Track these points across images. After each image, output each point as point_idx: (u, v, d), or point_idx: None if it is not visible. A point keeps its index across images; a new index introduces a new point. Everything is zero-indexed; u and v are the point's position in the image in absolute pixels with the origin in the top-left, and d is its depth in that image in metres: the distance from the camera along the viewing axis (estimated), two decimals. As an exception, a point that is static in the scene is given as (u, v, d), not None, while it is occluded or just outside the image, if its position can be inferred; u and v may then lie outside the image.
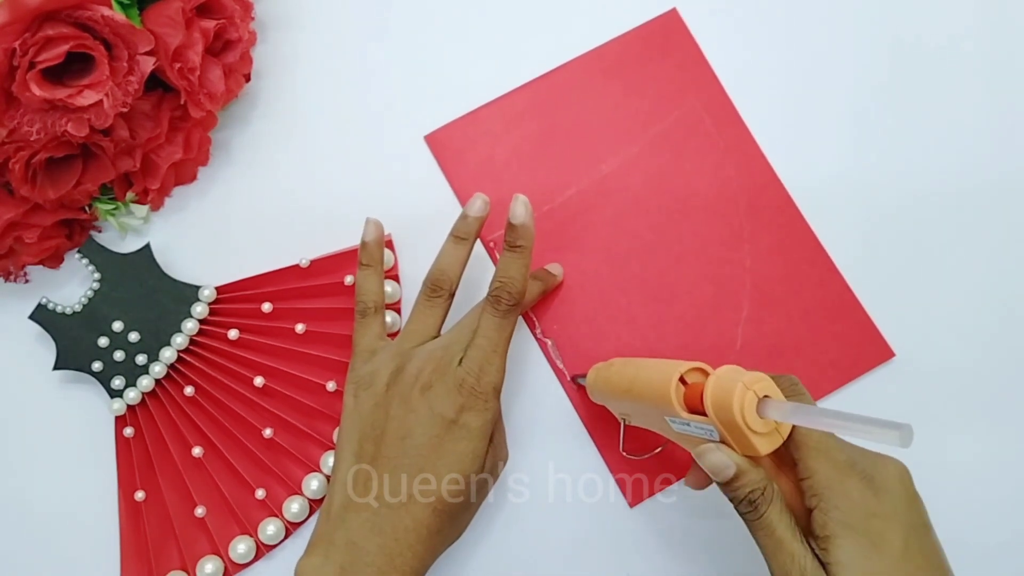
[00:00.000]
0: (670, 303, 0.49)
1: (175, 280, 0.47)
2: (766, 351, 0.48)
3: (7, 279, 0.48)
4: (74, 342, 0.46)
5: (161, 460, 0.46)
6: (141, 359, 0.46)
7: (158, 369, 0.46)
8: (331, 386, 0.46)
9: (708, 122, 0.51)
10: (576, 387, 0.48)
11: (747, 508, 0.35)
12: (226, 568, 0.45)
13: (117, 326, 0.46)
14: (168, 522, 0.45)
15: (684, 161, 0.50)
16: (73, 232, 0.48)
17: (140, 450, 0.46)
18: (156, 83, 0.46)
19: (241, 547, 0.45)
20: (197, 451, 0.45)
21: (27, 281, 0.49)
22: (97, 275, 0.47)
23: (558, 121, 0.51)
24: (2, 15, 0.37)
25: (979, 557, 0.41)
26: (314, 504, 0.46)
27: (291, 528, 0.46)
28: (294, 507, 0.45)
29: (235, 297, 0.47)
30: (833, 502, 0.33)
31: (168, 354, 0.46)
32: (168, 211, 0.50)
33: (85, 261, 0.47)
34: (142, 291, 0.47)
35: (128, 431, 0.46)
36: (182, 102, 0.46)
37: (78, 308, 0.46)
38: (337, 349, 0.47)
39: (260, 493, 0.45)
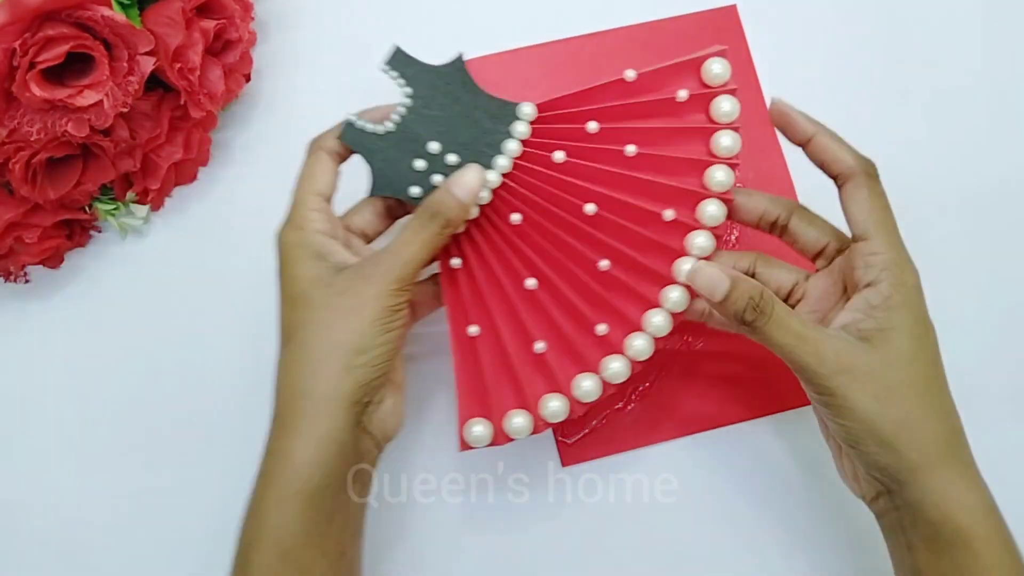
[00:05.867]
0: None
1: (491, 96, 0.41)
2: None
3: (7, 279, 0.48)
4: (389, 165, 0.41)
5: (492, 293, 0.42)
6: None
7: (483, 194, 0.40)
8: (668, 215, 0.41)
9: (737, 123, 0.50)
10: None
11: (755, 315, 0.36)
12: (571, 407, 0.41)
13: (433, 147, 0.41)
14: (506, 358, 0.41)
15: None
16: (73, 232, 0.48)
17: (469, 282, 0.42)
18: (156, 83, 0.46)
19: (587, 383, 0.40)
20: (531, 283, 0.41)
21: (27, 281, 0.49)
22: (408, 90, 0.41)
23: (593, 83, 0.51)
24: (2, 15, 0.37)
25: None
26: (658, 341, 0.41)
27: (636, 366, 0.41)
28: (638, 343, 0.41)
29: (557, 116, 0.42)
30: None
31: (492, 177, 0.41)
32: (168, 211, 0.50)
33: (395, 74, 0.41)
34: (457, 108, 0.41)
35: (455, 261, 0.41)
36: (182, 102, 0.46)
37: (391, 127, 0.41)
38: (671, 175, 0.42)
39: (602, 328, 0.41)
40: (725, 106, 0.42)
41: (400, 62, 0.41)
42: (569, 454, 0.47)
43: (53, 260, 0.48)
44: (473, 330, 0.41)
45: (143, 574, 0.46)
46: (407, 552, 0.46)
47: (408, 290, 0.38)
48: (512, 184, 0.41)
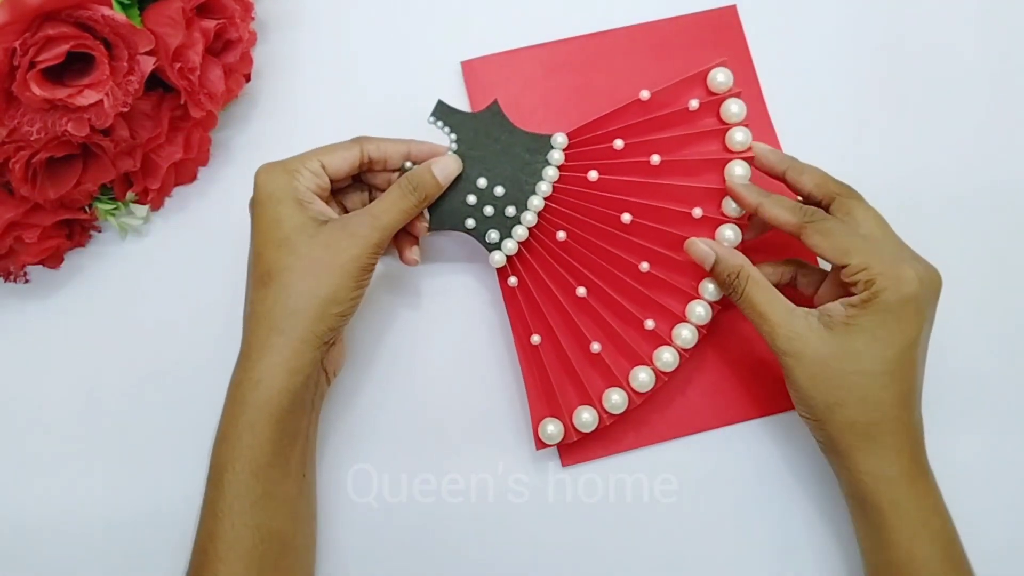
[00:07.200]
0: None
1: (526, 132, 0.47)
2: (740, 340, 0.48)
3: (7, 279, 0.48)
4: (445, 202, 0.46)
5: (548, 304, 0.46)
6: (511, 211, 0.46)
7: (529, 218, 0.46)
8: (697, 212, 0.45)
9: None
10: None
11: (729, 290, 0.43)
12: (630, 398, 0.45)
13: (481, 183, 0.46)
14: (566, 361, 0.46)
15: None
16: (73, 232, 0.48)
17: (527, 297, 0.46)
18: (156, 83, 0.46)
19: (642, 375, 0.45)
20: (581, 291, 0.46)
21: (27, 281, 0.49)
22: (453, 136, 0.46)
23: (593, 83, 0.52)
24: (2, 15, 0.37)
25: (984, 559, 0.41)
26: (701, 329, 0.46)
27: (684, 354, 0.46)
28: (684, 333, 0.45)
29: (586, 140, 0.47)
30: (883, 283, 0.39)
31: (536, 202, 0.46)
32: (168, 211, 0.50)
33: (440, 124, 0.46)
34: (497, 147, 0.46)
35: (512, 280, 0.46)
36: (182, 102, 0.46)
37: None
38: (694, 176, 0.47)
39: (650, 324, 0.45)
40: (733, 108, 0.46)
41: (443, 112, 0.46)
42: (569, 454, 0.47)
43: (53, 260, 0.48)
44: (535, 339, 0.46)
45: (144, 572, 0.46)
46: (407, 552, 0.46)
47: (381, 252, 0.42)
48: (554, 206, 0.46)
